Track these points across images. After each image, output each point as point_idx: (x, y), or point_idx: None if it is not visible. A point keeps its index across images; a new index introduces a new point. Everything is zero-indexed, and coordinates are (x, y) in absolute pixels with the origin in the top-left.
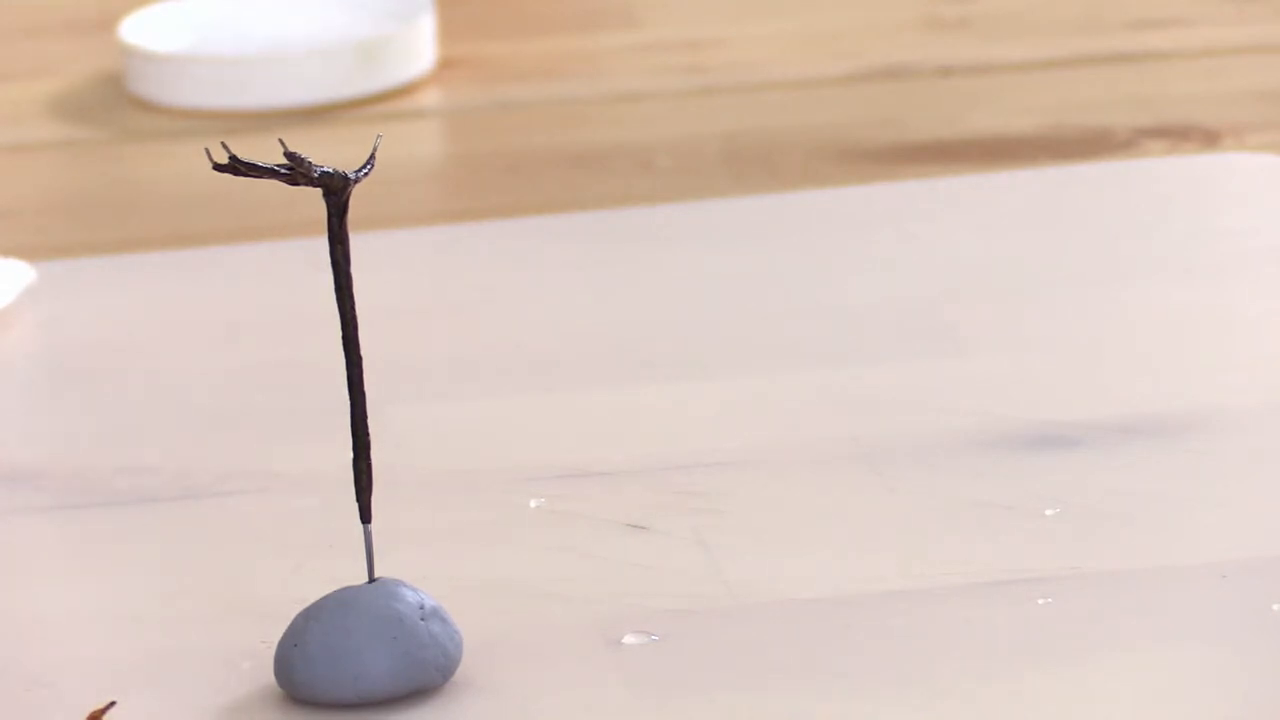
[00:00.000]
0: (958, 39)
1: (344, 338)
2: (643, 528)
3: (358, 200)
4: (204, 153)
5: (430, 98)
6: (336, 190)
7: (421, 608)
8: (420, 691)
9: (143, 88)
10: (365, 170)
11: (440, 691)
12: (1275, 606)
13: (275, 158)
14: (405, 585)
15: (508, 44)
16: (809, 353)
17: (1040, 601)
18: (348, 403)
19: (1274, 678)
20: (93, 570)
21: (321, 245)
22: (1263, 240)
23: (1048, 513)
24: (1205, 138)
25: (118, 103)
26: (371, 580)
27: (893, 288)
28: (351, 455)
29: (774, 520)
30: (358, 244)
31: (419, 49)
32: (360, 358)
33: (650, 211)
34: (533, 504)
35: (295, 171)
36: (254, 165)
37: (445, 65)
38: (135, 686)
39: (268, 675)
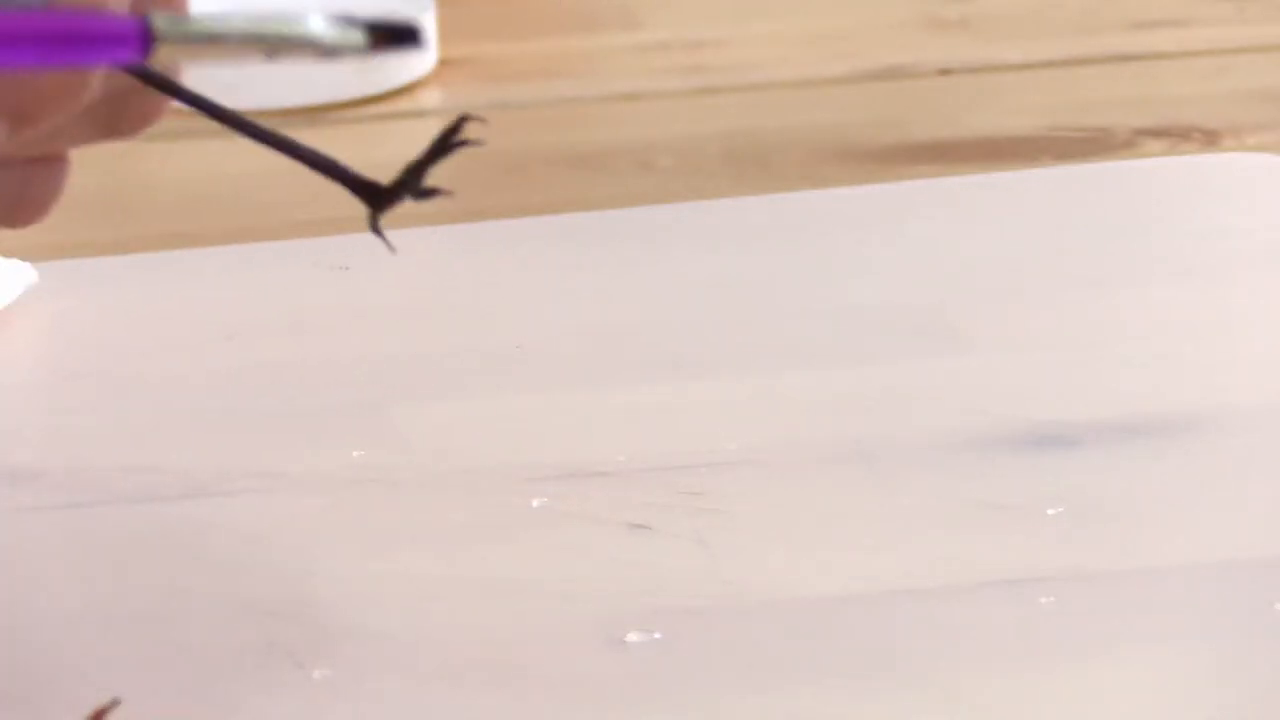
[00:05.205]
0: (957, 39)
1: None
2: (645, 527)
3: (357, 201)
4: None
5: (430, 98)
6: None
7: None
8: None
9: None
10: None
11: (440, 691)
12: (1277, 606)
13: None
14: None
15: (508, 44)
16: (809, 353)
17: (1043, 601)
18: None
19: (1275, 678)
20: (93, 570)
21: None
22: (1263, 240)
23: (1049, 512)
24: (1205, 138)
25: None
26: None
27: (893, 288)
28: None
29: (774, 520)
30: (358, 244)
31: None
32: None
33: (650, 211)
34: (535, 504)
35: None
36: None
37: (445, 65)
38: (136, 686)
39: (269, 675)
